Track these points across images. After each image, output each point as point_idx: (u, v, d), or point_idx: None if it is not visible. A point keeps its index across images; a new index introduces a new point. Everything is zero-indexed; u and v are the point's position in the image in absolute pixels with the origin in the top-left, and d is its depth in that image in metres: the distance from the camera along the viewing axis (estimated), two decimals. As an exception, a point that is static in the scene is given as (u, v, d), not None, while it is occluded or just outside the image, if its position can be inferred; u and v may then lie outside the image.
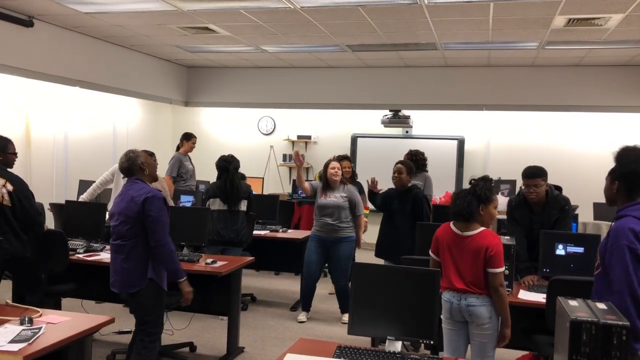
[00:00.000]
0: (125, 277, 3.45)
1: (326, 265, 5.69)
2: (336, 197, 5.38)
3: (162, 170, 6.16)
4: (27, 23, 6.58)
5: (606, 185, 2.58)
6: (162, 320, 3.60)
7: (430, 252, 3.35)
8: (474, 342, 3.16)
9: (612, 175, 2.54)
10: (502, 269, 3.07)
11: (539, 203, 4.11)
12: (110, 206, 5.33)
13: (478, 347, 3.14)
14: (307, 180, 5.76)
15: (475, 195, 3.17)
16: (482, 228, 3.16)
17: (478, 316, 3.08)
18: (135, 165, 3.55)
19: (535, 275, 3.99)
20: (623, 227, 2.36)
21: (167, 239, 3.44)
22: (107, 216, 4.84)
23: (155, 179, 3.81)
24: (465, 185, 3.31)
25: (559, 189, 4.25)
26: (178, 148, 7.58)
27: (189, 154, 7.55)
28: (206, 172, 8.25)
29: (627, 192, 2.48)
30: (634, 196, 2.46)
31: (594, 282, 2.52)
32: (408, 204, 5.06)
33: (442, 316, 3.23)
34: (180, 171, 7.27)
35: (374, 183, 5.29)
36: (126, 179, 3.64)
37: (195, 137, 7.62)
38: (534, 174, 4.05)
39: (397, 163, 5.22)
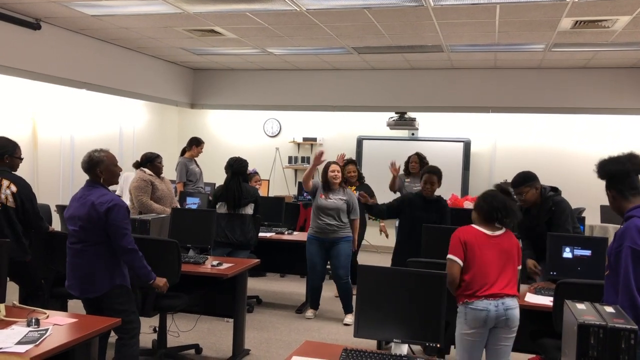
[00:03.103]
0: (88, 281, 3.39)
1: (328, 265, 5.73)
2: (336, 200, 5.42)
3: (167, 172, 6.16)
4: (35, 26, 6.61)
5: (609, 202, 2.64)
6: (137, 317, 3.57)
7: (452, 256, 3.13)
8: (499, 347, 3.09)
9: (606, 189, 2.61)
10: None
11: (534, 206, 4.16)
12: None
13: (502, 351, 3.10)
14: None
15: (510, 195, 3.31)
16: (504, 228, 3.22)
17: (512, 319, 3.06)
18: (94, 170, 3.47)
19: (533, 260, 4.06)
20: (630, 228, 2.37)
21: (134, 244, 3.42)
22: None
23: (112, 184, 3.66)
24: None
25: (555, 190, 4.25)
26: (183, 152, 7.62)
27: (195, 157, 7.59)
28: (212, 174, 8.26)
29: (621, 195, 2.52)
30: (628, 196, 2.49)
31: (604, 284, 2.52)
32: (434, 214, 4.87)
33: (468, 329, 3.06)
34: (188, 175, 7.38)
35: (365, 197, 5.03)
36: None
37: (204, 143, 7.67)
38: (515, 183, 4.13)
39: (426, 172, 4.95)
